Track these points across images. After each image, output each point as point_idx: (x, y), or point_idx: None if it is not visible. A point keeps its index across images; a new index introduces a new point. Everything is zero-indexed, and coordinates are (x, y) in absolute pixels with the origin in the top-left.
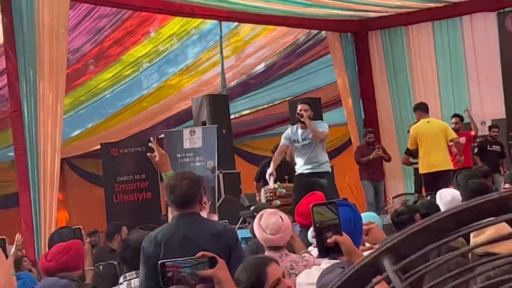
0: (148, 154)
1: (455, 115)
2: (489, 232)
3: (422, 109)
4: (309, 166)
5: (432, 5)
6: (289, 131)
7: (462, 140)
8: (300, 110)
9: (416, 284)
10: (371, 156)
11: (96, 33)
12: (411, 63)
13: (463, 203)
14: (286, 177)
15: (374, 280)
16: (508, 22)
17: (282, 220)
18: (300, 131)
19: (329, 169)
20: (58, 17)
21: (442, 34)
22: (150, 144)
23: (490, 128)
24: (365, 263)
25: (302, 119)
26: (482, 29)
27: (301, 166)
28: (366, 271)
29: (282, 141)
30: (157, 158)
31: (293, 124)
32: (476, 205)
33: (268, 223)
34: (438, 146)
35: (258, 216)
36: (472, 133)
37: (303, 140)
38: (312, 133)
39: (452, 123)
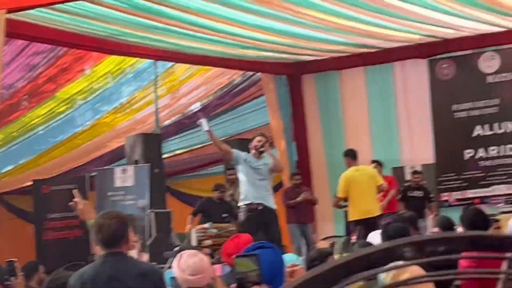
0: (70, 203)
1: (373, 161)
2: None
3: (351, 156)
4: (260, 201)
5: (364, 50)
6: (242, 154)
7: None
8: (260, 141)
9: None
10: (299, 199)
11: (31, 69)
12: (344, 107)
13: (355, 252)
14: (224, 215)
15: None
16: (439, 69)
17: (203, 261)
18: (256, 161)
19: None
20: None
21: (375, 79)
22: (73, 192)
23: (412, 174)
24: None
25: (262, 149)
26: (414, 75)
27: (253, 197)
28: None
29: (234, 150)
30: (80, 206)
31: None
32: (367, 254)
33: (187, 264)
34: (369, 193)
35: (177, 256)
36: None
37: (258, 168)
38: (274, 162)
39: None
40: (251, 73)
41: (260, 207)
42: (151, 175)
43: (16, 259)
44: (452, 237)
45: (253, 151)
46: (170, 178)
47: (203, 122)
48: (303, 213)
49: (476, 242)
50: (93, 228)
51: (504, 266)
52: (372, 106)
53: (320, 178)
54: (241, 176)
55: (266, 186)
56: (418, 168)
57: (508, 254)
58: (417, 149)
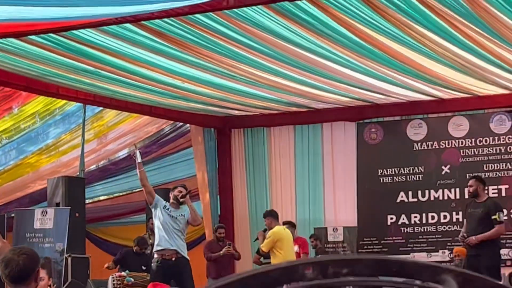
0: None
1: (285, 222)
2: None
3: (274, 216)
4: (175, 248)
5: (295, 109)
6: (163, 200)
7: (295, 248)
8: (181, 191)
9: None
10: (221, 252)
11: None
12: (271, 164)
13: (253, 269)
14: (143, 267)
15: None
16: (367, 133)
17: None
18: (174, 210)
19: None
20: None
21: (303, 138)
22: None
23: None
24: None
25: (182, 200)
26: (342, 137)
27: (168, 244)
28: None
29: (155, 194)
30: None
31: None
32: (265, 272)
33: None
34: (293, 252)
35: None
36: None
37: (176, 217)
38: (192, 214)
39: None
40: (180, 123)
41: (174, 257)
42: (71, 219)
43: None
44: (357, 259)
45: (172, 201)
46: (91, 224)
47: (137, 153)
48: (224, 266)
49: (383, 267)
50: (1, 264)
51: None
52: (298, 165)
53: (242, 233)
54: (157, 223)
55: (181, 236)
56: (340, 230)
57: (417, 282)
58: (341, 211)
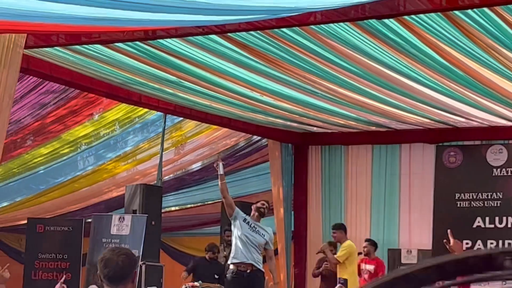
0: None
1: (367, 240)
2: None
3: (345, 230)
4: (251, 262)
5: (374, 128)
6: (243, 213)
7: (370, 267)
8: (263, 204)
9: None
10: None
11: (40, 108)
12: (347, 183)
13: (449, 255)
14: (216, 276)
15: None
16: (446, 156)
17: None
18: (254, 222)
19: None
20: (5, 86)
21: (381, 158)
22: None
23: None
24: None
25: (264, 212)
26: (420, 159)
27: (244, 257)
28: None
29: (235, 207)
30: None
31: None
32: (461, 259)
33: None
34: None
35: None
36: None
37: (256, 231)
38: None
39: (363, 247)
40: (256, 138)
41: (249, 269)
42: (147, 227)
43: None
44: None
45: (254, 212)
46: (164, 233)
47: (220, 165)
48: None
49: None
50: (99, 264)
51: None
52: (375, 185)
53: (316, 250)
54: (236, 234)
55: (258, 249)
56: (414, 253)
57: None
58: (415, 233)
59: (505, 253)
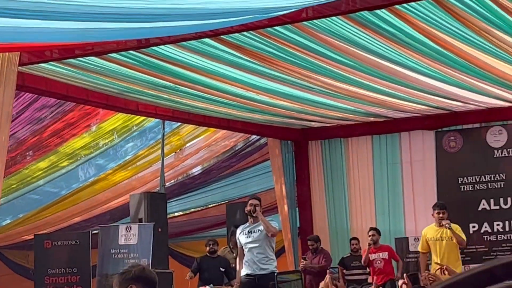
0: None
1: (372, 228)
2: None
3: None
4: (253, 272)
5: (372, 119)
6: (237, 232)
7: (384, 254)
8: (251, 204)
9: None
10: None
11: (37, 122)
12: (349, 175)
13: (499, 258)
14: (222, 269)
15: None
16: (446, 141)
17: None
18: (249, 226)
19: (275, 269)
20: (2, 105)
21: (381, 148)
22: None
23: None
24: None
25: (254, 214)
26: (420, 146)
27: (246, 269)
28: None
29: (238, 245)
30: None
31: (236, 227)
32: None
33: None
34: None
35: None
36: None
37: (249, 233)
38: (264, 227)
39: (369, 235)
40: (255, 138)
41: (256, 277)
42: (154, 235)
43: None
44: None
45: (249, 219)
46: (170, 239)
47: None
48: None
49: None
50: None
51: None
52: (377, 175)
53: (323, 245)
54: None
55: (259, 248)
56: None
57: None
58: (421, 220)
59: None
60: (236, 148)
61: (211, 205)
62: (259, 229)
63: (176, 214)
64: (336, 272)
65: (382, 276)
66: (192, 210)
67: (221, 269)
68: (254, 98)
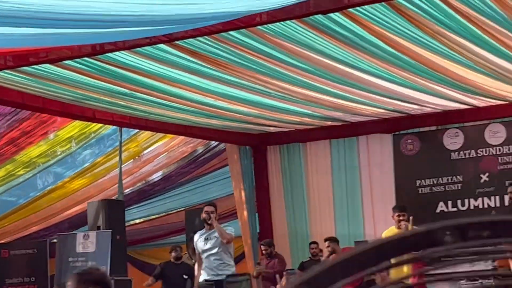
0: None
1: (326, 239)
2: None
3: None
4: (210, 278)
5: (330, 123)
6: (195, 238)
7: None
8: (207, 211)
9: None
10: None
11: None
12: (308, 179)
13: (390, 236)
14: (185, 276)
15: None
16: (403, 144)
17: None
18: (205, 232)
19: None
20: None
21: (339, 152)
22: None
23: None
24: None
25: (209, 221)
26: (378, 149)
27: (204, 276)
28: None
29: (196, 251)
30: None
31: (194, 232)
32: (400, 238)
33: None
34: None
35: None
36: None
37: (206, 240)
38: (219, 234)
39: (326, 247)
40: (215, 143)
41: (213, 282)
42: (113, 242)
43: None
44: (499, 221)
45: (205, 226)
46: (130, 247)
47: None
48: None
49: None
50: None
51: None
52: (335, 179)
53: (282, 250)
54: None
55: (215, 254)
56: None
57: None
58: (380, 224)
59: (444, 228)
60: (196, 154)
61: (171, 212)
62: (215, 236)
63: (137, 221)
64: (294, 275)
65: None
66: (152, 217)
67: (184, 276)
68: (211, 104)
